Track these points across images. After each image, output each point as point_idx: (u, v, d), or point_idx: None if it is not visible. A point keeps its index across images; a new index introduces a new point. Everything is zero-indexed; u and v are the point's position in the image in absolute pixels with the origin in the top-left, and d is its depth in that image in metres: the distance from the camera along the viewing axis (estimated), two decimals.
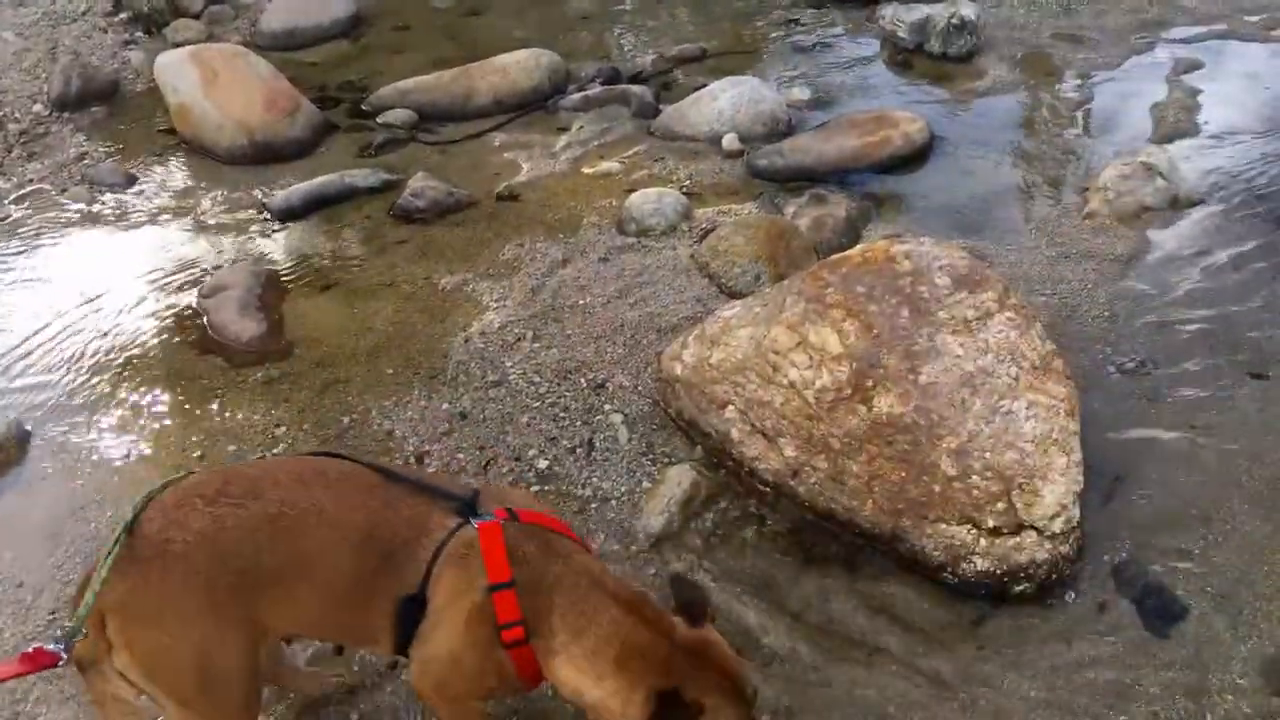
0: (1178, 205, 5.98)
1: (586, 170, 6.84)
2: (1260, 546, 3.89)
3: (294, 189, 6.55)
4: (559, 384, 4.87)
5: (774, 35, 8.95)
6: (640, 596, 2.89)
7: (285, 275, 5.87)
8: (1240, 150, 6.58)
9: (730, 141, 7.02)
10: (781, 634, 3.75)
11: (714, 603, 3.21)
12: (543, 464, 4.43)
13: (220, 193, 6.70)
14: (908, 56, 8.28)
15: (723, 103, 7.23)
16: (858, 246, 4.68)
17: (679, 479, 4.30)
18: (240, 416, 4.76)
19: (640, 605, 2.83)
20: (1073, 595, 3.81)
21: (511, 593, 2.75)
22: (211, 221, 6.43)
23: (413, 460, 4.45)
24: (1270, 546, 3.89)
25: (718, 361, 4.41)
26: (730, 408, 4.35)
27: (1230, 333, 4.96)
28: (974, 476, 3.87)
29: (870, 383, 4.05)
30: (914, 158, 6.79)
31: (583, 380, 4.89)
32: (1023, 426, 3.95)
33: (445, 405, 4.76)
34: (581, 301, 5.44)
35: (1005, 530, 3.82)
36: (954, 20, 8.02)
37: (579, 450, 4.51)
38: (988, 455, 3.88)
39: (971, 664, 3.62)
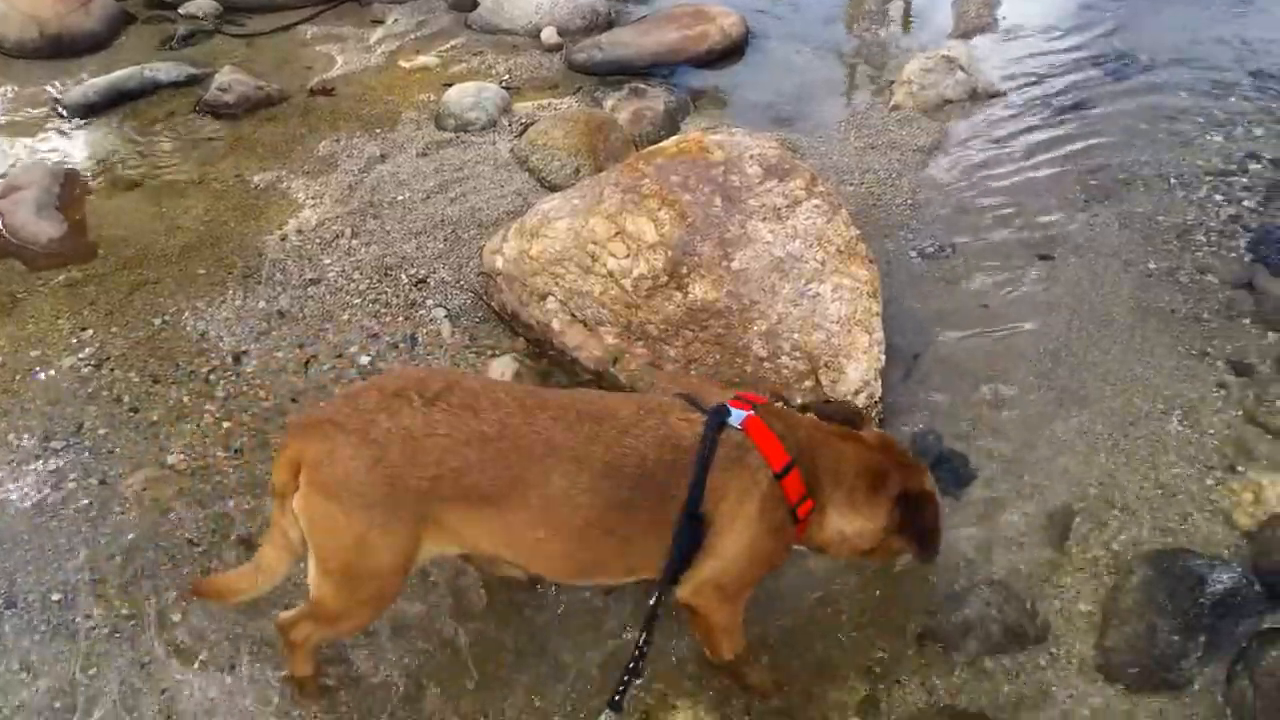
0: (976, 97, 6.26)
1: (403, 64, 6.71)
2: (1042, 415, 4.20)
3: (91, 84, 6.24)
4: (379, 280, 4.84)
5: None
6: (849, 429, 3.12)
7: (86, 174, 5.62)
8: (1034, 44, 6.90)
9: (549, 35, 6.98)
10: None
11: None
12: (364, 360, 4.42)
13: (10, 89, 6.34)
14: None
15: None
16: (673, 137, 4.76)
17: (502, 370, 4.35)
18: (43, 322, 4.58)
19: (857, 436, 3.09)
20: None
21: (796, 472, 2.87)
22: (1, 120, 6.07)
23: (230, 360, 4.38)
24: (1051, 415, 4.20)
25: (537, 254, 4.46)
26: (551, 299, 4.42)
27: (1022, 217, 5.26)
28: (783, 357, 4.05)
29: (685, 270, 4.17)
30: (731, 52, 6.89)
31: (404, 276, 4.87)
32: (829, 308, 4.14)
33: (262, 304, 4.69)
34: (401, 197, 5.39)
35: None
36: None
37: (402, 345, 4.52)
38: (796, 336, 4.07)
39: None
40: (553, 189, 5.31)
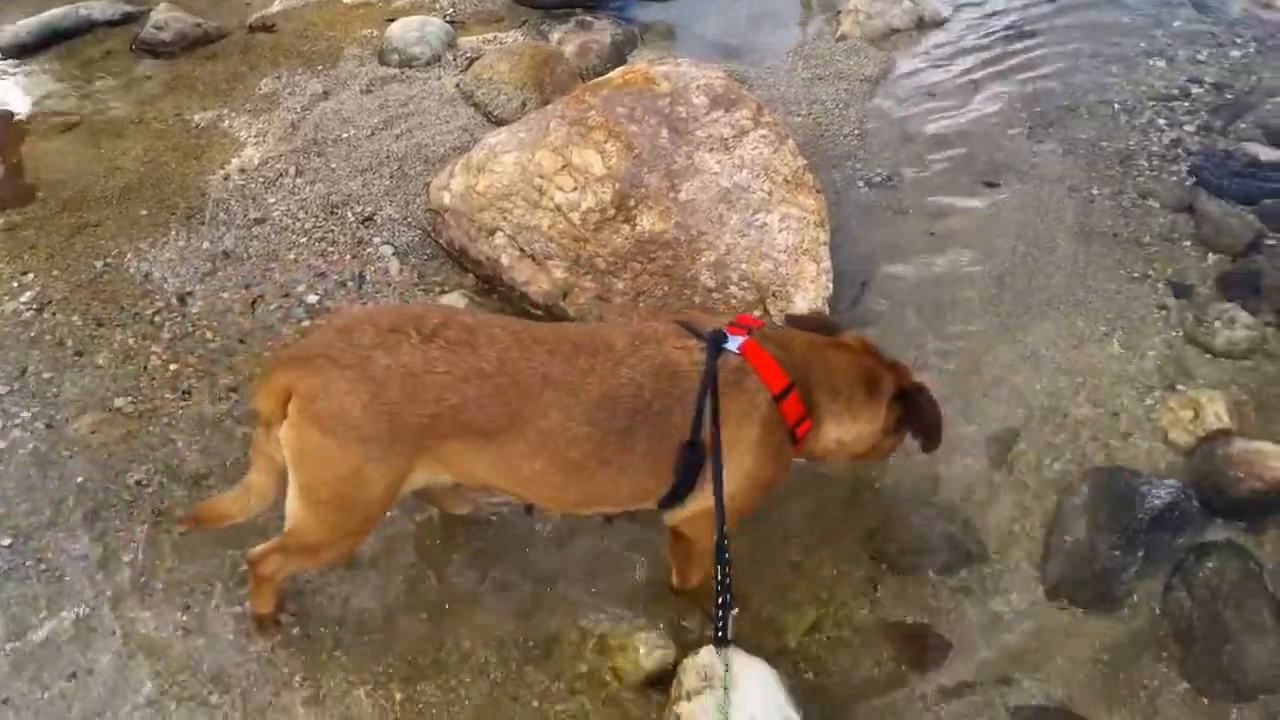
0: (923, 25, 6.26)
1: None
2: (988, 340, 4.26)
3: (24, 24, 6.08)
4: (325, 219, 4.79)
5: None
6: (835, 337, 3.20)
7: (22, 116, 5.49)
8: None
9: None
10: None
11: None
12: (312, 299, 4.39)
13: None
14: None
15: None
16: (618, 69, 4.72)
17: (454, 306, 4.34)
18: None
19: (844, 344, 3.16)
20: None
21: (794, 393, 2.90)
22: None
23: (175, 302, 4.33)
24: (996, 339, 4.26)
25: (485, 189, 4.42)
26: (499, 234, 4.39)
27: (968, 145, 5.29)
28: (732, 287, 4.07)
29: (633, 202, 4.16)
30: None
31: (350, 214, 4.83)
32: (776, 238, 4.16)
33: (206, 245, 4.63)
34: (345, 135, 5.32)
35: None
36: None
37: (349, 284, 4.49)
38: (744, 266, 4.08)
39: None
40: (499, 123, 5.26)
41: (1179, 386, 4.02)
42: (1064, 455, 3.83)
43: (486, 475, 2.90)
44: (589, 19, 6.30)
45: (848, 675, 3.21)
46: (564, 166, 4.27)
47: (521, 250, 4.34)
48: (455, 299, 4.36)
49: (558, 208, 4.24)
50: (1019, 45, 6.10)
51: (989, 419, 3.96)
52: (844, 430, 3.11)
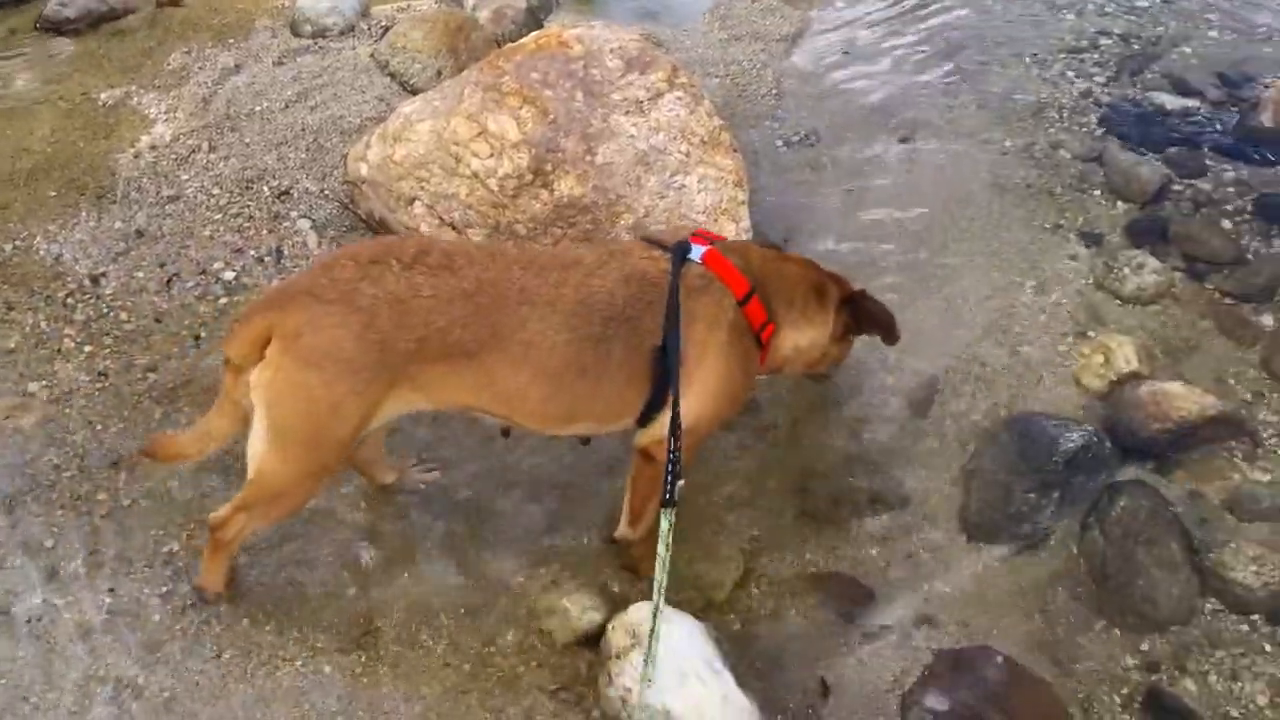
0: None
1: None
2: (907, 293, 4.32)
3: None
4: (241, 194, 4.71)
5: None
6: (783, 251, 3.48)
7: None
8: None
9: None
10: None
11: None
12: (229, 275, 4.33)
13: None
14: None
15: None
16: (532, 34, 4.69)
17: None
18: None
19: (792, 257, 3.39)
20: None
21: (756, 298, 3.03)
22: None
23: (87, 283, 4.25)
24: (915, 292, 4.32)
25: (401, 158, 4.38)
26: (418, 203, 4.36)
27: (882, 102, 5.35)
28: None
29: (550, 167, 4.15)
30: None
31: (266, 189, 4.75)
32: (695, 199, 4.17)
33: (118, 224, 4.53)
34: (259, 108, 5.23)
35: None
36: None
37: (268, 259, 4.43)
38: (663, 228, 4.09)
39: None
40: (415, 92, 5.20)
41: (1090, 333, 4.12)
42: (982, 404, 3.91)
43: (469, 396, 2.95)
44: None
45: (773, 625, 3.28)
46: (480, 133, 4.24)
47: (441, 219, 4.32)
48: None
49: (475, 175, 4.22)
50: (933, 2, 6.15)
51: (909, 370, 4.02)
52: (800, 336, 3.25)
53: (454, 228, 4.28)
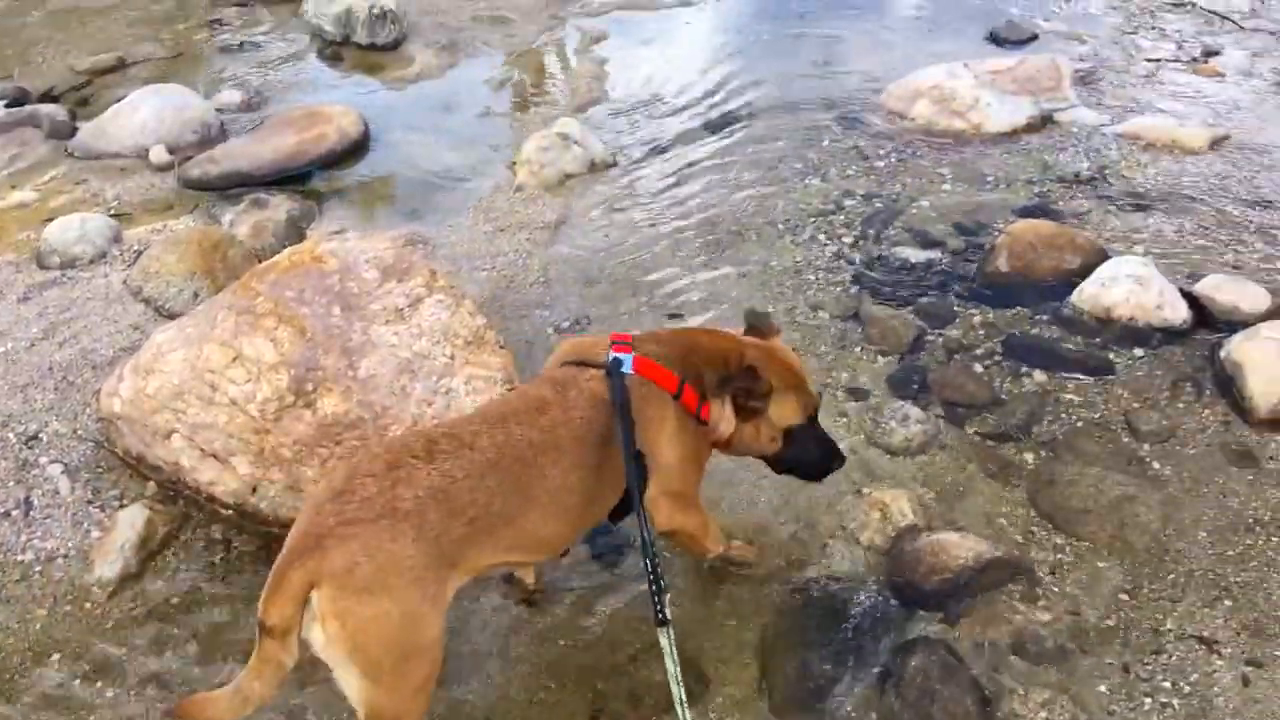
0: (596, 168, 6.49)
1: None
2: None
3: None
4: None
5: (198, 38, 8.63)
6: (690, 329, 3.98)
7: None
8: (645, 112, 7.26)
9: (159, 154, 6.67)
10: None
11: None
12: None
13: None
14: (337, 49, 8.29)
15: (145, 113, 6.86)
16: (285, 251, 4.63)
17: (131, 521, 4.06)
18: None
19: (714, 333, 3.66)
20: None
21: (687, 385, 3.34)
22: None
23: None
24: None
25: (155, 390, 4.20)
26: (176, 435, 4.17)
27: (648, 281, 5.47)
28: None
29: (311, 386, 4.05)
30: (353, 150, 6.83)
31: (11, 435, 4.47)
32: (463, 401, 4.12)
33: None
34: (1, 350, 4.96)
35: None
36: (375, 10, 8.11)
37: (15, 513, 4.13)
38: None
39: None
40: (172, 318, 5.04)
41: (865, 490, 4.20)
42: (774, 576, 3.90)
43: (504, 555, 3.10)
44: (264, 196, 6.20)
45: None
46: (235, 358, 4.11)
47: (202, 450, 4.13)
48: (136, 513, 4.08)
49: (233, 401, 4.07)
50: (687, 177, 6.43)
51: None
52: (719, 411, 3.45)
53: (217, 457, 4.10)
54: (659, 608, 2.97)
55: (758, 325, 3.76)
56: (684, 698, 2.90)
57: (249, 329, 4.16)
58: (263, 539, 4.07)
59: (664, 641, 2.94)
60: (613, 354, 3.28)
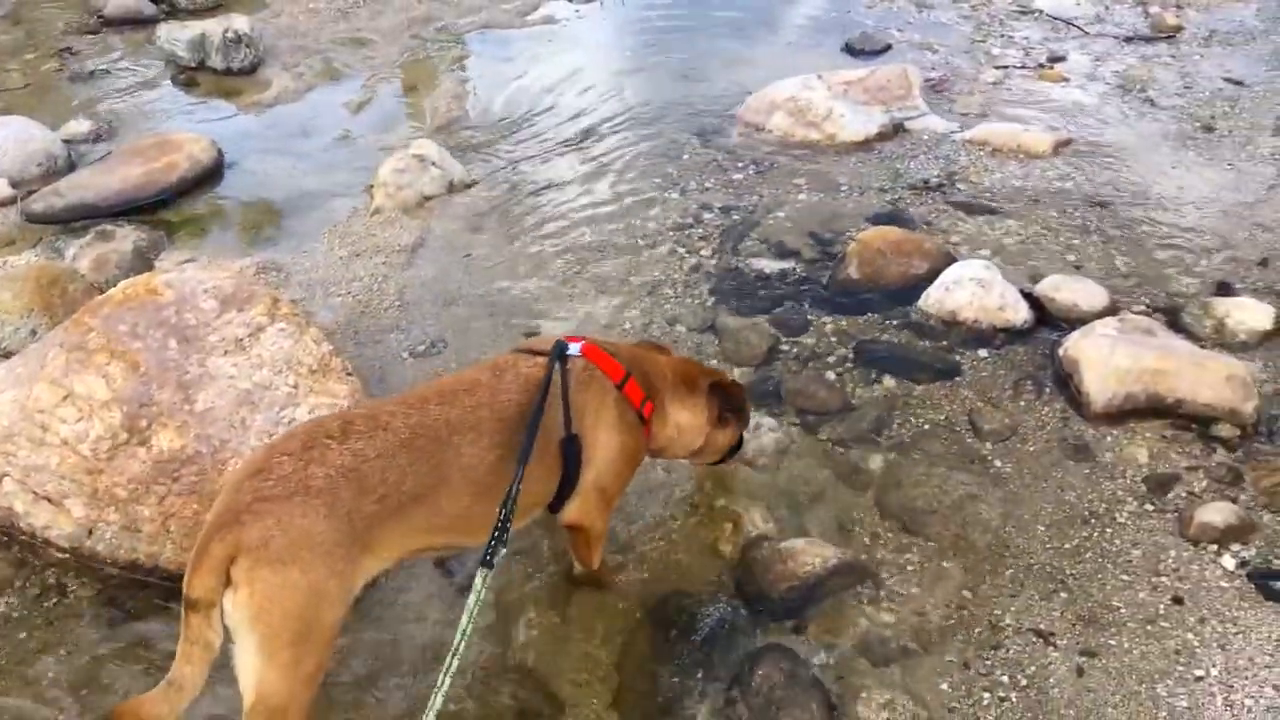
0: (454, 189, 6.44)
1: None
2: None
3: None
4: None
5: (47, 67, 8.36)
6: (663, 347, 4.11)
7: None
8: (502, 131, 7.24)
9: (0, 188, 6.44)
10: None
11: None
12: None
13: None
14: (192, 75, 8.12)
15: None
16: (120, 284, 4.49)
17: None
18: None
19: (661, 348, 4.03)
20: None
21: (633, 380, 3.53)
22: None
23: None
24: None
25: None
26: (7, 479, 4.03)
27: (507, 302, 5.44)
28: None
29: (145, 422, 3.93)
30: (206, 177, 6.69)
31: None
32: None
33: None
34: None
35: None
36: (230, 34, 7.97)
37: None
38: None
39: None
40: (9, 357, 4.86)
41: (720, 501, 4.23)
42: (628, 592, 3.90)
43: (422, 537, 3.16)
44: (109, 228, 6.04)
45: None
46: (66, 397, 3.99)
47: (35, 493, 4.00)
48: None
49: (65, 441, 3.95)
50: (545, 196, 6.41)
51: (551, 566, 3.98)
52: (677, 414, 3.75)
53: (50, 500, 3.97)
54: (489, 553, 3.07)
55: (657, 348, 4.04)
56: (468, 629, 2.96)
57: (80, 366, 4.04)
58: (101, 582, 3.95)
59: (477, 581, 3.03)
60: (560, 339, 3.50)
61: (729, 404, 3.86)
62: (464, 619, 2.96)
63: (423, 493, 3.05)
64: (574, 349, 3.46)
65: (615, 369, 3.51)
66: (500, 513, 3.11)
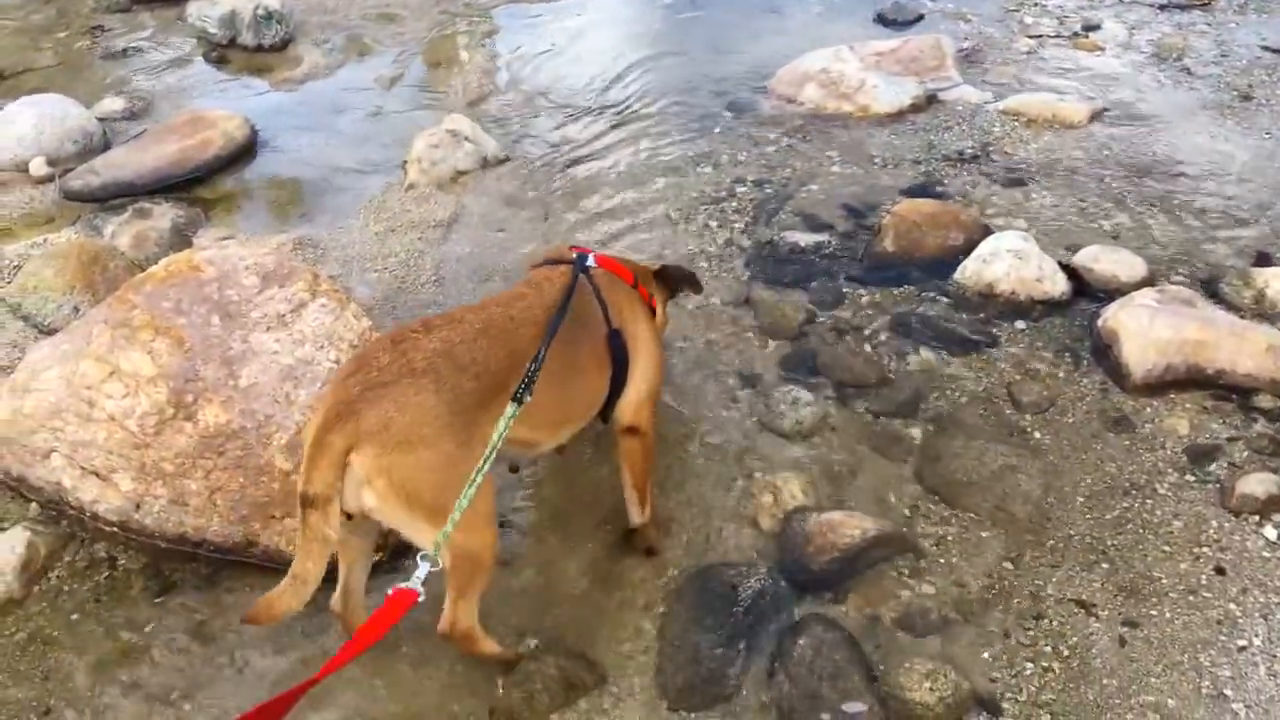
0: (488, 164, 6.45)
1: None
2: (585, 458, 4.35)
3: None
4: None
5: (79, 45, 8.41)
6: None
7: None
8: (536, 106, 7.24)
9: (38, 166, 6.52)
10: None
11: None
12: None
13: None
14: (223, 52, 8.15)
15: (22, 125, 6.69)
16: (162, 261, 4.54)
17: (12, 544, 3.96)
18: None
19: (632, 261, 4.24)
20: None
21: (638, 280, 3.96)
22: None
23: None
24: (591, 460, 4.36)
25: (32, 410, 4.11)
26: (55, 455, 4.08)
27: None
28: None
29: (191, 398, 3.98)
30: (240, 155, 6.72)
31: None
32: None
33: None
34: None
35: None
36: (260, 11, 7.99)
37: None
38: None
39: None
40: (52, 334, 4.91)
41: (758, 474, 4.24)
42: (669, 563, 3.93)
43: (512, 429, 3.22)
44: (147, 205, 6.08)
45: None
46: (112, 373, 4.04)
47: (83, 468, 4.05)
48: (16, 535, 3.99)
49: (111, 417, 4.00)
50: (579, 171, 6.41)
51: (592, 540, 4.02)
52: (660, 305, 4.11)
53: (98, 475, 4.03)
54: (520, 392, 3.20)
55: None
56: (498, 443, 3.08)
57: (125, 342, 4.09)
58: (149, 555, 4.01)
59: (509, 409, 3.15)
60: (576, 252, 3.80)
61: (682, 281, 4.25)
62: (494, 437, 3.08)
63: (505, 377, 3.19)
64: (591, 260, 3.78)
65: (625, 273, 3.90)
66: (530, 366, 3.25)
